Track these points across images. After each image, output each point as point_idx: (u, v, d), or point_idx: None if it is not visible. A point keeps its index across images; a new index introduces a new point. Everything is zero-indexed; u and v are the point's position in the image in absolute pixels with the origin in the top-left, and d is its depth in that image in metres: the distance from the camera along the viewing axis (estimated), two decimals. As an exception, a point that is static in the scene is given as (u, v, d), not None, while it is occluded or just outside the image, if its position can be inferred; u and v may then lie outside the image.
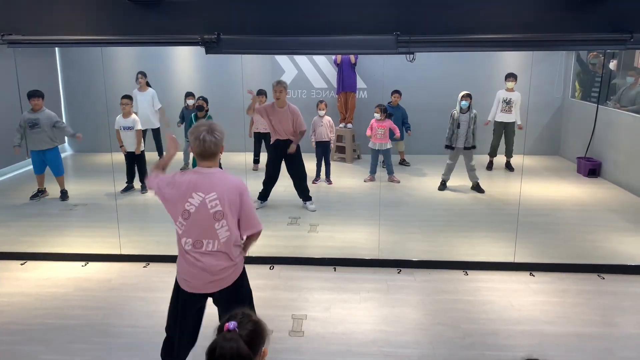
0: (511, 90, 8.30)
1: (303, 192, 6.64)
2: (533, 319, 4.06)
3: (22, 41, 4.61)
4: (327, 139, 7.68)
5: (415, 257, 5.04)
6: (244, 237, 2.97)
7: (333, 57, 9.20)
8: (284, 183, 7.73)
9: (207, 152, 2.83)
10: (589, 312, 4.18)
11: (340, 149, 9.22)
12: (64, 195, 7.03)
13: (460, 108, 7.12)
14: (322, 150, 7.73)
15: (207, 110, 7.30)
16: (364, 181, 7.87)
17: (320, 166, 7.87)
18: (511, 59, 9.33)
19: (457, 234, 5.73)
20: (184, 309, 2.99)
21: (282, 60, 9.58)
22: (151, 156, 8.55)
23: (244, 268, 3.06)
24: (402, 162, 8.75)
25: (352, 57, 8.93)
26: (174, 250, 5.39)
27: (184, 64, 9.68)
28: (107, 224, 5.83)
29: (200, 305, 3.05)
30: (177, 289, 2.99)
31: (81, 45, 4.94)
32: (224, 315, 1.91)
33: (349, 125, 9.14)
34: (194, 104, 7.99)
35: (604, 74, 8.16)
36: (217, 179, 2.83)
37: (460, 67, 9.23)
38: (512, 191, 7.22)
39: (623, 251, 5.28)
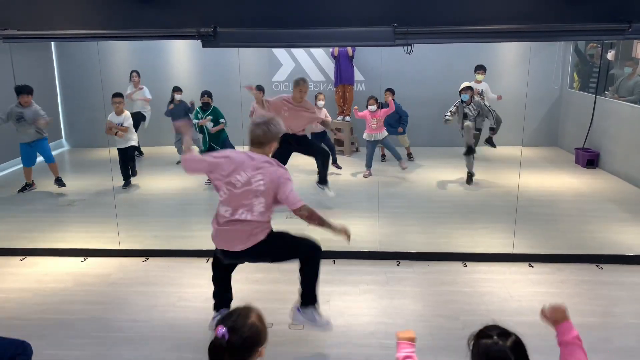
0: (480, 82, 8.37)
1: (323, 172, 6.43)
2: (532, 310, 4.07)
3: (17, 36, 4.59)
4: (322, 130, 7.67)
5: (414, 249, 5.04)
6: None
7: (330, 49, 9.16)
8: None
9: (255, 140, 3.31)
10: (588, 302, 4.19)
11: (339, 142, 9.21)
12: (59, 181, 7.06)
13: (462, 101, 7.14)
14: (320, 139, 7.71)
15: (211, 101, 7.25)
16: (363, 176, 7.82)
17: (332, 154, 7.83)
18: (509, 50, 9.31)
19: (455, 226, 5.74)
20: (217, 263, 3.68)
21: (280, 53, 9.55)
22: (150, 150, 8.55)
23: (271, 230, 3.44)
24: (409, 157, 8.60)
25: (349, 50, 8.90)
26: (173, 245, 5.41)
27: (181, 58, 9.64)
28: (105, 219, 5.82)
29: (230, 262, 3.60)
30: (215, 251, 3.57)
31: (77, 40, 4.94)
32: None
33: (347, 118, 9.12)
34: (180, 100, 8.00)
35: (602, 64, 8.15)
36: (262, 163, 3.27)
37: (459, 58, 9.19)
38: (510, 182, 7.22)
39: (621, 241, 5.30)
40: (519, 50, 9.26)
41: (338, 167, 7.83)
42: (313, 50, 9.50)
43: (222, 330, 1.76)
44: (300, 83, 6.10)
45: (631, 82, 7.51)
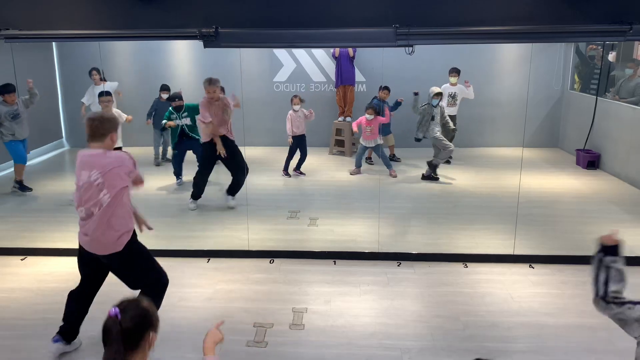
0: (454, 84, 8.40)
1: (239, 186, 6.36)
2: (532, 311, 4.07)
3: (19, 36, 4.59)
4: (302, 133, 7.69)
5: (414, 250, 5.05)
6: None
7: (331, 50, 9.17)
8: (283, 177, 7.74)
9: (93, 133, 3.28)
10: (589, 304, 4.13)
11: (339, 143, 9.21)
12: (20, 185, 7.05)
13: (432, 105, 7.38)
14: (298, 143, 7.73)
15: (183, 103, 7.18)
16: (350, 174, 7.87)
17: (291, 159, 7.82)
18: (510, 51, 9.32)
19: (456, 227, 5.74)
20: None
21: (281, 53, 9.55)
22: (150, 150, 8.56)
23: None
24: (392, 158, 8.62)
25: (350, 50, 8.90)
26: (173, 245, 5.40)
27: (182, 58, 9.65)
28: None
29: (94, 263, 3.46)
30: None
31: (79, 40, 4.94)
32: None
33: (348, 118, 9.11)
34: (167, 98, 7.92)
35: (603, 65, 8.15)
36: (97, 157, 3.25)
37: (460, 59, 9.19)
38: (511, 183, 7.22)
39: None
40: (520, 52, 9.26)
41: (301, 174, 7.82)
42: (314, 50, 9.50)
43: (115, 310, 1.91)
44: (206, 84, 6.13)
45: (632, 83, 7.51)
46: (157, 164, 8.43)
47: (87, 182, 3.24)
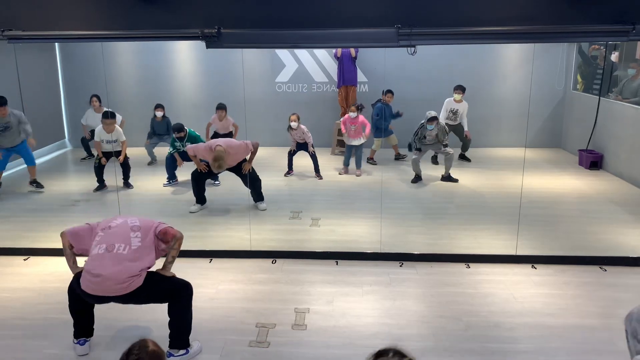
0: (459, 101, 8.37)
1: (259, 193, 6.48)
2: (535, 311, 4.07)
3: (22, 37, 4.60)
4: (303, 142, 7.72)
5: (417, 250, 5.04)
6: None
7: (333, 50, 9.17)
8: (285, 178, 7.74)
9: None
10: (591, 304, 4.18)
11: (341, 143, 9.21)
12: (37, 184, 7.08)
13: (426, 127, 7.34)
14: (304, 148, 7.76)
15: (185, 133, 7.30)
16: (339, 174, 7.91)
17: (292, 158, 7.86)
18: (513, 51, 9.30)
19: (458, 227, 5.73)
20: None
21: (283, 54, 9.55)
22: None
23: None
24: (397, 157, 8.69)
25: (352, 51, 8.90)
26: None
27: (185, 59, 9.66)
28: (109, 219, 5.83)
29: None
30: None
31: (81, 41, 4.95)
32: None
33: (350, 118, 9.12)
34: (162, 116, 8.28)
35: (606, 66, 8.13)
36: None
37: (462, 59, 9.20)
38: (513, 184, 7.21)
39: (625, 243, 5.29)
40: (522, 52, 9.25)
41: (320, 177, 7.83)
42: (316, 51, 9.51)
43: None
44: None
45: (635, 83, 7.49)
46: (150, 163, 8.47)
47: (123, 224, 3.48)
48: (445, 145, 7.55)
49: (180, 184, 7.41)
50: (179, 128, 7.19)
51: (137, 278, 3.30)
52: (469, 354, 3.54)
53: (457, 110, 8.41)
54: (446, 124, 8.06)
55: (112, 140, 7.13)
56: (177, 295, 3.46)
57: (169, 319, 3.46)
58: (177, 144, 7.25)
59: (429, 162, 8.45)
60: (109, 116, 7.11)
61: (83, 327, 3.58)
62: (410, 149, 7.72)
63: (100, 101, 8.45)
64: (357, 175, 7.82)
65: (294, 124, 7.54)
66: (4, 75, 6.59)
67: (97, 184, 7.16)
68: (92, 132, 8.03)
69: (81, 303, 3.48)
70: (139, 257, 3.34)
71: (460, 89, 8.33)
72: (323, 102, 9.55)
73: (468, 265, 4.85)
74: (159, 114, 8.31)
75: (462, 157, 8.68)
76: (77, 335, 3.58)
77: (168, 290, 3.45)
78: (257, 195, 6.45)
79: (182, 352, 3.44)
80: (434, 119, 7.33)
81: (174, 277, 3.53)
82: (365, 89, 9.56)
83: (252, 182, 6.33)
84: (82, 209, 6.56)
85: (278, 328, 3.86)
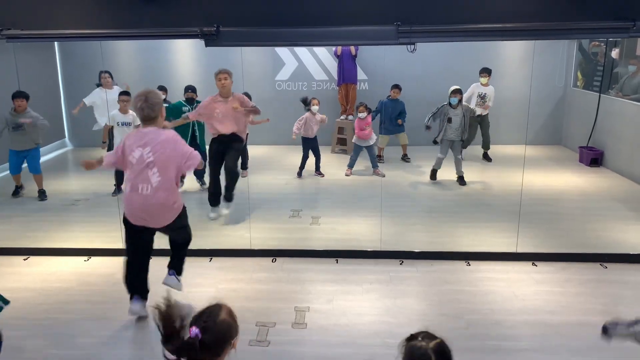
0: (486, 85, 8.30)
1: (230, 190, 6.01)
2: (536, 309, 4.06)
3: (21, 36, 4.60)
4: (313, 136, 7.61)
5: (417, 248, 5.04)
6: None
7: (333, 48, 9.15)
8: (285, 176, 7.73)
9: (146, 117, 3.62)
10: (592, 302, 4.18)
11: (342, 141, 9.20)
12: (42, 195, 6.85)
13: (450, 104, 7.07)
14: (310, 145, 7.66)
15: (197, 101, 7.13)
16: (345, 175, 7.79)
17: (306, 161, 7.73)
18: (513, 48, 9.28)
19: (459, 225, 5.73)
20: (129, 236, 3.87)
21: (283, 52, 9.55)
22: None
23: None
24: (404, 158, 8.58)
25: (352, 49, 8.88)
26: (176, 244, 5.25)
27: (184, 57, 9.65)
28: (109, 219, 5.83)
29: (142, 234, 3.80)
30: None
31: (81, 40, 4.93)
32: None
33: (350, 117, 9.11)
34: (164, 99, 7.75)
35: (606, 62, 8.11)
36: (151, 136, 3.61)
37: (462, 57, 9.18)
38: (513, 181, 7.20)
39: (625, 240, 5.28)
40: (523, 49, 9.23)
41: (321, 175, 7.77)
42: (316, 49, 9.49)
43: (195, 330, 1.84)
44: (216, 73, 5.78)
45: (635, 80, 7.48)
46: None
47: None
48: (463, 142, 7.23)
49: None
50: (191, 87, 7.03)
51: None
52: (469, 352, 3.53)
53: (486, 94, 8.24)
54: (477, 115, 7.89)
55: (127, 122, 6.81)
56: (187, 233, 4.03)
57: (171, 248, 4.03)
58: (186, 108, 6.91)
59: (429, 163, 8.43)
60: (124, 94, 6.83)
61: (136, 285, 3.87)
62: (435, 143, 7.33)
63: (112, 77, 8.13)
64: (382, 176, 7.58)
65: (315, 108, 7.48)
66: (4, 75, 6.58)
67: (114, 187, 6.91)
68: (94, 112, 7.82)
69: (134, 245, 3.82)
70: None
71: (487, 71, 8.18)
72: (323, 101, 9.49)
73: (469, 263, 4.85)
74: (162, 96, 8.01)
75: (485, 157, 8.55)
76: (131, 290, 3.88)
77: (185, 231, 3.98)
78: (227, 192, 5.96)
79: (179, 277, 4.06)
80: (458, 91, 6.99)
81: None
82: (366, 87, 9.55)
83: (228, 171, 5.81)
84: (82, 208, 6.56)
85: (278, 327, 3.85)
